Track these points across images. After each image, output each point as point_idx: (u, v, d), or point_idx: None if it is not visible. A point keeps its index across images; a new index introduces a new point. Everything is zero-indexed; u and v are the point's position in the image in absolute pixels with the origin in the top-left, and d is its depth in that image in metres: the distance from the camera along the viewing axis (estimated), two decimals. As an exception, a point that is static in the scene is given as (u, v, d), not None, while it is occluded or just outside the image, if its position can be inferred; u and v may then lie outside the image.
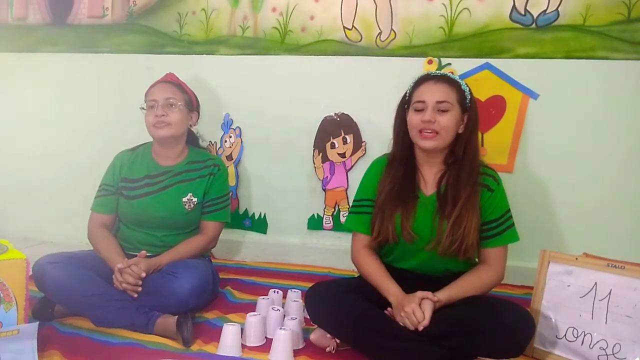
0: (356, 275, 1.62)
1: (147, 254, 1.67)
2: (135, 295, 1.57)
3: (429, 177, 1.53)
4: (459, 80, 1.51)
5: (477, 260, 1.54)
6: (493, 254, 1.47)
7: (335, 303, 1.38)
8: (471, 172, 1.46)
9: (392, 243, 1.50)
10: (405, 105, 1.55)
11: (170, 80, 1.85)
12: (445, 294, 1.37)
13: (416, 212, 1.48)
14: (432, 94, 1.46)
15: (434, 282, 1.45)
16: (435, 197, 1.49)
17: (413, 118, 1.48)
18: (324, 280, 1.58)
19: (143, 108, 1.80)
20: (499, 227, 1.47)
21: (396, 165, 1.54)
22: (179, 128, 1.79)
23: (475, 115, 1.50)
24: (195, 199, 1.80)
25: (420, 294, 1.35)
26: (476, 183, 1.46)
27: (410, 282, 1.46)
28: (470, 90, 1.51)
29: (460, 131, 1.48)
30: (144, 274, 1.57)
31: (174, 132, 1.78)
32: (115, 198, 1.82)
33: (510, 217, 1.50)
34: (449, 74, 1.52)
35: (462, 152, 1.47)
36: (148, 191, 1.78)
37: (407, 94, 1.55)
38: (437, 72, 1.54)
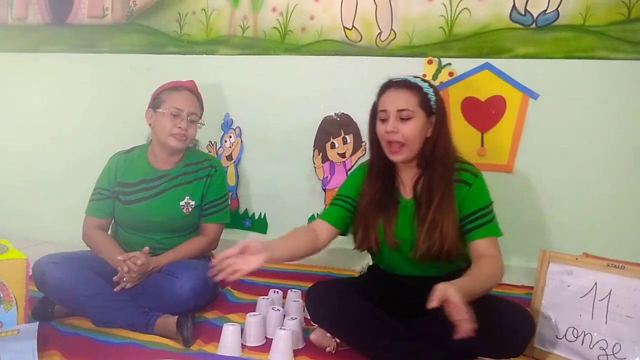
0: (356, 274, 1.62)
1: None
2: (129, 285, 1.59)
3: (407, 181, 1.51)
4: (421, 83, 1.46)
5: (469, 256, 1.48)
6: (487, 245, 1.39)
7: (335, 303, 1.38)
8: (443, 173, 1.43)
9: (375, 250, 1.50)
10: (375, 113, 1.53)
11: (194, 91, 1.83)
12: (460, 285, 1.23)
13: (398, 218, 1.46)
14: (393, 102, 1.44)
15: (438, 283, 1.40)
16: (413, 201, 1.47)
17: (379, 128, 1.47)
18: (324, 280, 1.58)
19: (158, 110, 1.75)
20: (480, 219, 1.41)
21: (375, 172, 1.53)
22: (191, 141, 1.81)
23: (442, 116, 1.46)
24: (193, 202, 1.79)
25: None
26: (450, 182, 1.42)
27: (414, 287, 1.40)
28: (435, 91, 1.47)
29: (428, 135, 1.45)
30: (139, 262, 1.59)
31: (187, 145, 1.79)
32: (111, 202, 1.80)
33: (492, 211, 1.44)
34: (410, 78, 1.48)
35: (431, 155, 1.44)
36: (145, 196, 1.77)
37: (375, 102, 1.53)
38: (399, 77, 1.49)
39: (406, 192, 1.50)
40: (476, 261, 1.39)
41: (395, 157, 1.44)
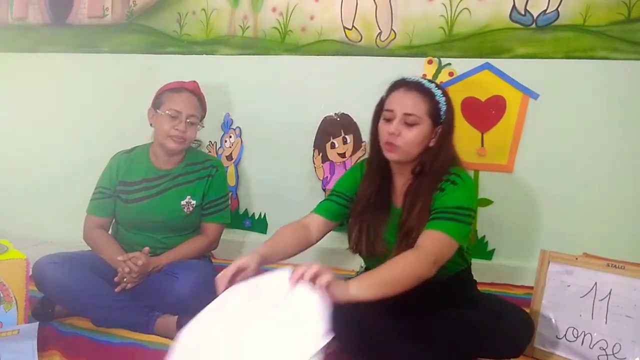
0: (354, 274, 1.61)
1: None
2: (130, 285, 1.58)
3: (399, 187, 1.45)
4: (434, 90, 1.38)
5: (467, 254, 1.47)
6: (430, 236, 1.27)
7: (333, 305, 1.37)
8: (433, 183, 1.36)
9: (366, 255, 1.46)
10: (382, 108, 1.46)
11: (196, 92, 1.82)
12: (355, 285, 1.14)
13: (388, 225, 1.42)
14: (401, 104, 1.36)
15: (439, 287, 1.33)
16: (401, 211, 1.40)
17: (382, 128, 1.40)
18: None
19: (157, 110, 1.75)
20: (442, 213, 1.30)
21: (373, 172, 1.48)
22: (190, 142, 1.80)
23: (449, 128, 1.39)
24: (194, 202, 1.79)
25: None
26: (434, 190, 1.35)
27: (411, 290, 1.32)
28: (447, 100, 1.39)
29: (431, 144, 1.38)
30: (140, 262, 1.58)
31: (186, 146, 1.79)
32: (112, 201, 1.81)
33: (461, 215, 1.30)
34: (424, 82, 1.40)
35: (429, 165, 1.37)
36: (146, 195, 1.77)
37: (384, 97, 1.46)
38: (412, 78, 1.42)
39: (397, 199, 1.45)
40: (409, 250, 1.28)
41: (390, 155, 1.39)
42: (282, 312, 1.03)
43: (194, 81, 1.87)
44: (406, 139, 1.35)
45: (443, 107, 1.37)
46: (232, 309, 1.09)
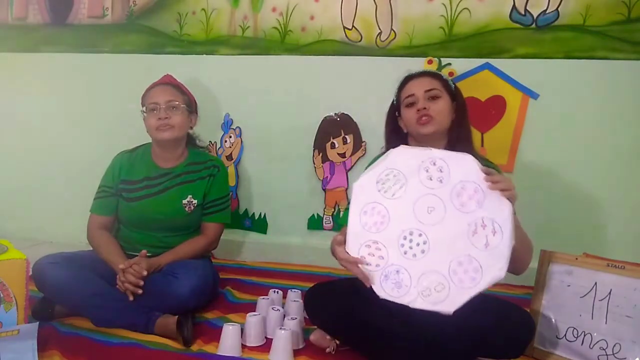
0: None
1: (148, 254, 1.67)
2: (139, 292, 1.55)
3: None
4: (439, 72, 1.58)
5: None
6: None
7: (335, 304, 1.38)
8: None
9: None
10: (395, 112, 1.58)
11: (170, 82, 1.85)
12: None
13: None
14: (419, 85, 1.50)
15: None
16: None
17: (407, 113, 1.50)
18: (324, 282, 1.58)
19: (144, 112, 1.79)
20: None
21: None
22: (182, 130, 1.80)
23: (463, 101, 1.55)
24: (195, 201, 1.80)
25: None
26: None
27: None
28: (453, 82, 1.57)
29: (452, 118, 1.52)
30: (145, 273, 1.57)
31: (177, 134, 1.78)
32: (115, 200, 1.81)
33: None
34: (429, 69, 1.61)
35: (457, 137, 1.49)
36: (148, 193, 1.78)
37: (395, 99, 1.58)
38: (418, 71, 1.59)
39: None
40: None
41: (426, 128, 1.46)
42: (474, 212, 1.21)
43: (167, 75, 1.90)
44: (436, 109, 1.47)
45: (452, 85, 1.55)
46: (405, 169, 1.27)
